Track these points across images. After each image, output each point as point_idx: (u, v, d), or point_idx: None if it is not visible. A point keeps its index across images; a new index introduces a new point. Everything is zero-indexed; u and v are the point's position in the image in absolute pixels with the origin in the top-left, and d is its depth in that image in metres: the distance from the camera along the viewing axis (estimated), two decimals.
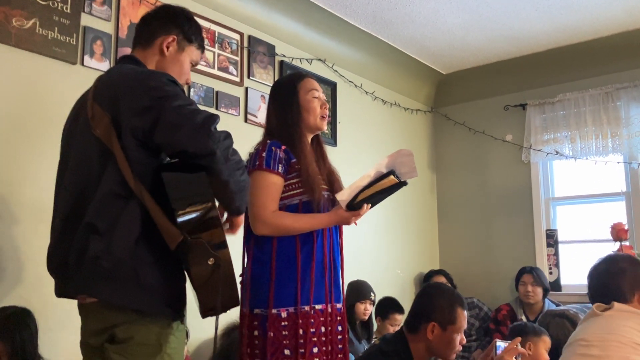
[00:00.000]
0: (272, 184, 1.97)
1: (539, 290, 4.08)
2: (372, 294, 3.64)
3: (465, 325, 2.17)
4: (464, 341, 2.18)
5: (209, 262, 1.43)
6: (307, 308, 1.94)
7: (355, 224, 2.06)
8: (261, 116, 3.61)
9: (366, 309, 3.60)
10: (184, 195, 1.46)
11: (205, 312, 1.51)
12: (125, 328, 1.49)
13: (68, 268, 1.51)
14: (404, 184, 1.98)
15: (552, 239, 4.61)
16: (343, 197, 1.96)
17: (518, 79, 4.90)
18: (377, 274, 4.35)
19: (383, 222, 4.55)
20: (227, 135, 1.53)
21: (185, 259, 1.45)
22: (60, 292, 1.61)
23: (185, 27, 1.76)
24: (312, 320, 1.94)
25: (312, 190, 1.99)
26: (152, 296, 1.48)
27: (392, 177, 1.93)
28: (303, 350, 1.90)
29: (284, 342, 1.91)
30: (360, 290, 3.61)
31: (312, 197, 1.99)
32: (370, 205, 2.00)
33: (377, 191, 1.95)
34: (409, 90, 5.06)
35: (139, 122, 1.48)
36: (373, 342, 3.49)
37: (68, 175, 1.61)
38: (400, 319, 3.76)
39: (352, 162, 4.09)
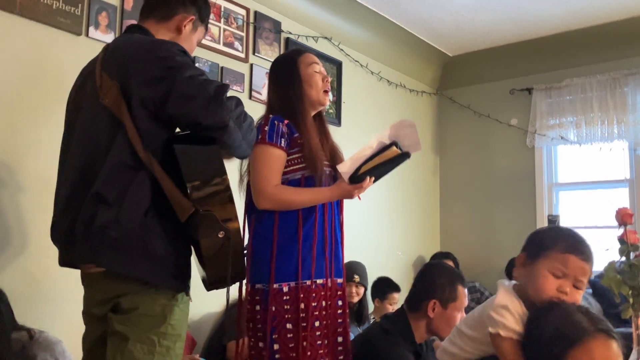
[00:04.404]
0: (275, 157, 1.96)
1: None
2: (355, 276, 3.54)
3: (466, 303, 2.18)
4: None
5: (219, 235, 1.43)
6: (308, 282, 1.94)
7: (359, 197, 2.03)
8: (266, 93, 3.59)
9: (351, 292, 3.51)
10: (197, 168, 1.46)
11: (211, 285, 1.51)
12: (130, 298, 1.49)
13: (74, 237, 1.51)
14: (407, 155, 1.95)
15: (554, 225, 4.60)
16: (345, 168, 1.94)
17: (525, 63, 4.86)
18: (377, 255, 4.36)
19: (385, 204, 4.54)
20: (237, 102, 1.53)
21: (196, 231, 1.45)
22: (64, 261, 1.61)
23: (202, 8, 1.78)
24: (314, 295, 1.95)
25: (315, 166, 1.98)
26: (159, 267, 1.48)
27: (394, 148, 1.91)
28: (305, 324, 1.90)
29: (286, 316, 1.91)
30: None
31: (315, 173, 1.98)
32: (373, 178, 1.97)
33: (379, 163, 1.92)
34: (415, 72, 5.02)
35: (150, 92, 1.47)
36: (372, 321, 3.49)
37: (75, 145, 1.60)
38: (398, 297, 3.76)
39: (355, 142, 4.02)
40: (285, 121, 2.00)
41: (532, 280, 1.72)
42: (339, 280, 2.07)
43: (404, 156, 1.95)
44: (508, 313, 1.67)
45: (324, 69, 2.14)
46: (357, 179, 1.94)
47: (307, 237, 1.97)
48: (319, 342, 1.94)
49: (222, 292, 1.54)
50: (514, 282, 1.82)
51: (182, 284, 1.54)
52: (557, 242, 1.73)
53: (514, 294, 1.73)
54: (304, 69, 2.08)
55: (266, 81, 3.61)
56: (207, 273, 1.49)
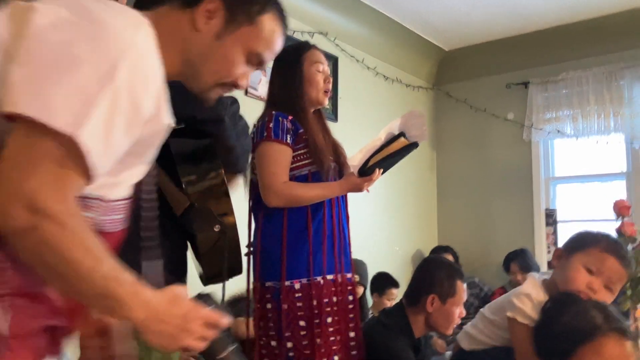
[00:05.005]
0: (282, 154, 1.95)
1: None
2: (355, 276, 3.55)
3: (464, 298, 2.18)
4: (464, 314, 2.18)
5: (215, 229, 1.43)
6: (319, 279, 1.94)
7: (368, 190, 2.03)
8: (262, 90, 3.57)
9: None
10: (192, 162, 1.46)
11: (208, 280, 1.51)
12: None
13: None
14: (415, 145, 1.96)
15: (551, 218, 4.61)
16: (355, 162, 1.95)
17: (521, 57, 4.85)
18: (375, 250, 4.35)
19: (382, 200, 4.54)
20: (234, 101, 1.53)
21: (191, 226, 1.44)
22: None
23: None
24: (325, 291, 1.95)
25: (321, 161, 1.98)
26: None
27: (402, 139, 1.92)
28: (318, 320, 1.90)
29: (299, 313, 1.91)
30: None
31: (321, 168, 1.98)
32: (382, 170, 1.97)
33: (388, 154, 1.93)
34: (411, 67, 5.02)
35: None
36: (371, 316, 3.49)
37: None
38: (397, 292, 3.76)
39: (352, 138, 4.03)
40: (290, 117, 1.99)
41: (563, 272, 1.71)
42: (349, 275, 2.08)
43: (412, 146, 1.95)
44: (529, 301, 1.68)
45: (327, 69, 2.12)
46: (367, 171, 1.94)
47: (317, 233, 1.97)
48: (332, 338, 1.93)
49: (221, 289, 1.53)
50: (544, 276, 1.82)
51: (179, 280, 1.53)
52: (599, 242, 1.72)
53: (541, 286, 1.73)
54: (307, 66, 2.06)
55: (262, 77, 3.60)
56: (204, 268, 1.49)
